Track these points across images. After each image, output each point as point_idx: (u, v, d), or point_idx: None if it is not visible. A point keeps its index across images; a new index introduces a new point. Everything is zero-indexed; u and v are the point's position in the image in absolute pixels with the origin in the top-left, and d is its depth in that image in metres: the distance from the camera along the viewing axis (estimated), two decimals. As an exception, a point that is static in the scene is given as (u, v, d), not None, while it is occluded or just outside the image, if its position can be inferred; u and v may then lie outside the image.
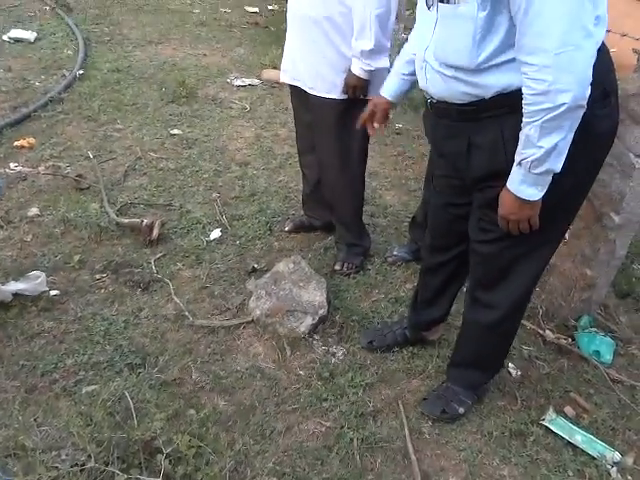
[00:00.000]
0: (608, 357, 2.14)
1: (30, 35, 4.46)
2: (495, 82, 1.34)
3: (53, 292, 2.13)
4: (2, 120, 3.24)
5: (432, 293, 1.97)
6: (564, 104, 1.21)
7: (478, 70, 1.33)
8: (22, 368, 1.83)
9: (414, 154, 3.50)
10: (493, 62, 1.31)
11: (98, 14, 5.26)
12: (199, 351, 1.98)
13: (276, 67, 4.53)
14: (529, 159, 1.30)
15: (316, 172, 2.43)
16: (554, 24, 1.16)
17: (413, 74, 1.66)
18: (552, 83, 1.20)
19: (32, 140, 3.12)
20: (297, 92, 2.28)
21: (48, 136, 3.19)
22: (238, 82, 4.27)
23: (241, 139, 3.47)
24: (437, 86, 1.45)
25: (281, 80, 2.35)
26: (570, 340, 2.19)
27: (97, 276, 2.26)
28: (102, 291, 2.19)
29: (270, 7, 6.40)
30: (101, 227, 2.49)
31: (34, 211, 2.57)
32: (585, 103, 1.23)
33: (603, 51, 1.35)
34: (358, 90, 2.07)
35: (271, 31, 5.62)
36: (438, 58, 1.40)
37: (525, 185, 1.35)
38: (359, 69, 2.03)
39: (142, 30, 5.05)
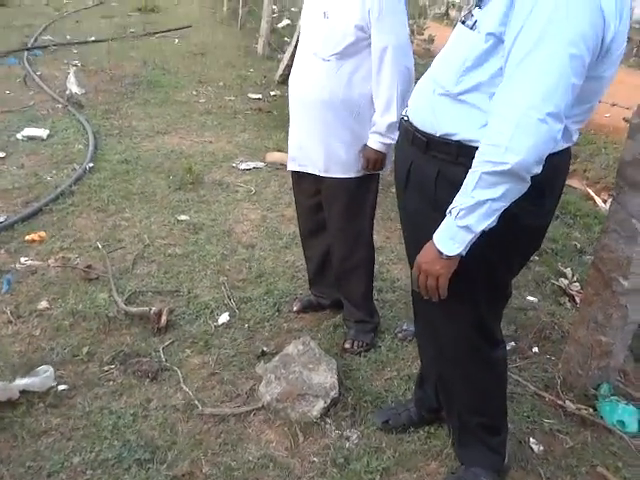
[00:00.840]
0: (633, 427, 2.06)
1: (43, 132, 4.65)
2: (455, 118, 1.37)
3: (61, 387, 2.11)
4: (14, 215, 3.32)
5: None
6: (507, 163, 1.20)
7: (453, 95, 1.36)
8: (28, 470, 1.78)
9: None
10: (467, 97, 1.34)
11: (108, 109, 5.49)
12: (209, 442, 1.93)
13: (280, 150, 4.67)
14: (458, 206, 1.28)
15: (321, 254, 2.45)
16: (537, 86, 1.17)
17: None
18: (508, 139, 1.19)
19: (43, 234, 3.18)
20: (301, 178, 2.31)
21: (58, 229, 3.26)
22: (243, 166, 4.39)
23: (247, 221, 3.53)
24: (413, 104, 1.53)
25: (289, 168, 2.34)
26: (592, 410, 2.12)
27: (105, 368, 2.24)
28: (110, 383, 2.17)
29: (272, 93, 6.67)
30: (109, 317, 2.49)
31: (43, 304, 2.59)
32: (529, 178, 1.23)
33: (564, 155, 1.38)
34: (378, 164, 2.11)
35: (274, 115, 5.83)
36: (432, 74, 1.47)
37: (446, 235, 1.33)
38: (380, 144, 2.06)
39: (150, 122, 5.26)
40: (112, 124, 5.11)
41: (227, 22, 11.21)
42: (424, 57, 6.99)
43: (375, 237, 2.46)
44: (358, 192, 2.18)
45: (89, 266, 2.88)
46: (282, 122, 5.54)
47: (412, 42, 6.95)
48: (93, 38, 8.59)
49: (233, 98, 6.33)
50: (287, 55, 6.88)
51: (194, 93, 6.37)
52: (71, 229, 3.27)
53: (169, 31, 9.60)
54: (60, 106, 5.44)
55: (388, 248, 3.32)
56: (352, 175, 2.15)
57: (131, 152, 4.46)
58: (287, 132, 5.12)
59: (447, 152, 1.39)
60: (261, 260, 3.09)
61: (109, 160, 4.27)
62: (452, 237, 1.31)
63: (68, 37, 8.63)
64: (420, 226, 1.49)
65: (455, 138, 1.37)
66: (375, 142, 2.07)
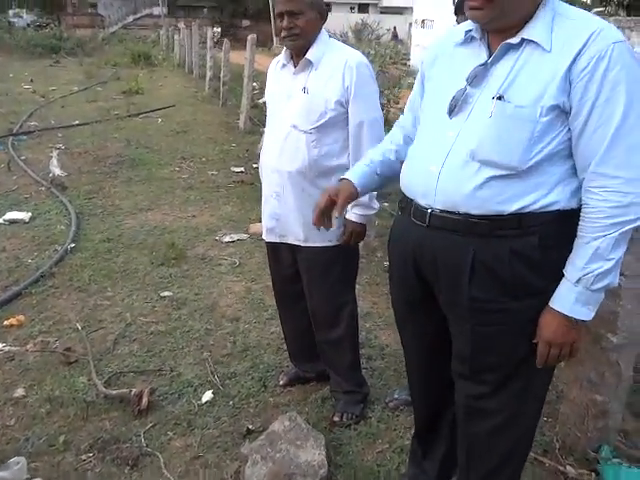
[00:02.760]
0: (639, 491, 1.96)
1: (25, 215, 4.65)
2: (528, 191, 1.34)
3: (35, 480, 1.99)
4: (-8, 301, 3.26)
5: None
6: None
7: (525, 172, 1.33)
8: None
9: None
10: (538, 169, 1.33)
11: (91, 189, 5.53)
12: (193, 533, 1.81)
13: (263, 220, 4.70)
14: (594, 273, 1.29)
15: (300, 326, 2.40)
16: None
17: (384, 175, 1.66)
18: (637, 196, 1.26)
19: (22, 317, 3.11)
20: (277, 248, 2.30)
21: (38, 312, 3.19)
22: (227, 238, 4.39)
23: (231, 294, 3.48)
24: (455, 192, 1.39)
25: (267, 239, 2.32)
26: (594, 475, 2.03)
27: (83, 457, 2.12)
28: (88, 473, 2.05)
29: (255, 165, 6.76)
30: (88, 402, 2.40)
31: (19, 392, 2.49)
32: None
33: None
34: (361, 236, 2.12)
35: (257, 187, 5.86)
36: (478, 157, 1.36)
37: (580, 304, 1.31)
38: (362, 216, 2.09)
39: (133, 199, 5.29)
40: (95, 204, 5.13)
41: (209, 100, 11.55)
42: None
43: (361, 303, 2.43)
44: (338, 260, 2.17)
45: (68, 349, 2.80)
46: (265, 194, 5.61)
47: (389, 111, 7.16)
48: (77, 122, 8.78)
49: (216, 172, 6.41)
50: (268, 129, 7.05)
51: (177, 169, 6.46)
52: (51, 311, 3.21)
53: (153, 111, 9.85)
54: (43, 189, 5.48)
55: (375, 314, 3.27)
56: (332, 243, 2.14)
57: (114, 230, 4.46)
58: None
59: (517, 226, 1.36)
60: (246, 333, 3.03)
61: (91, 239, 4.25)
62: (587, 303, 1.32)
63: (53, 122, 8.82)
64: (489, 314, 1.43)
65: (530, 209, 1.34)
66: (357, 215, 2.09)
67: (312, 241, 2.15)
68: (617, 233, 1.26)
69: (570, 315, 1.32)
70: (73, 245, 4.08)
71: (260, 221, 4.70)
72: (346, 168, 2.03)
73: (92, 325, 3.07)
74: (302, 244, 2.17)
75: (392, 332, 3.06)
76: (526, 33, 1.32)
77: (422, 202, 1.48)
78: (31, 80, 13.80)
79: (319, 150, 2.05)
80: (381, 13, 36.90)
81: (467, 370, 1.55)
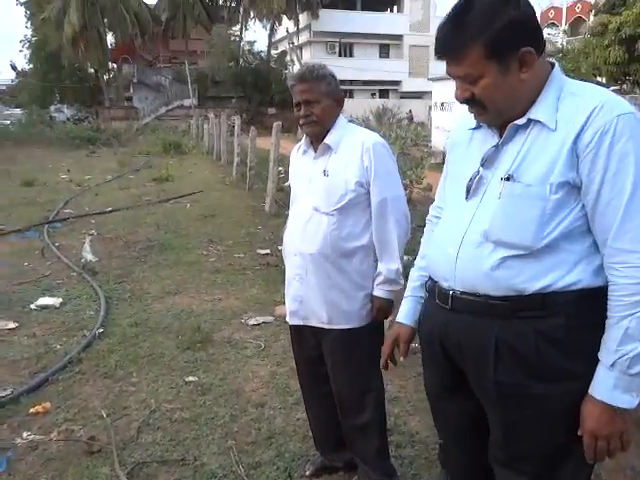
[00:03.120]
0: None
1: (55, 301, 4.75)
2: (547, 269, 1.33)
3: None
4: (20, 387, 3.27)
5: None
6: None
7: (541, 251, 1.32)
8: None
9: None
10: (554, 247, 1.32)
11: (120, 274, 5.65)
12: None
13: (288, 302, 4.70)
14: (628, 355, 1.24)
15: (325, 411, 2.34)
16: None
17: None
18: None
19: (47, 405, 3.11)
20: (301, 331, 2.30)
21: (64, 399, 3.19)
22: (252, 321, 4.39)
23: (257, 378, 3.44)
24: (472, 273, 1.40)
25: (291, 322, 2.33)
26: None
27: None
28: None
29: (280, 247, 6.85)
30: (110, 494, 2.34)
31: (41, 484, 2.45)
32: None
33: None
34: (389, 312, 2.14)
35: (282, 269, 5.89)
36: (491, 237, 1.37)
37: (619, 390, 1.26)
38: (388, 292, 2.11)
39: (161, 283, 5.37)
40: (124, 288, 5.22)
41: (236, 185, 11.92)
42: (424, 204, 7.27)
43: (389, 387, 2.38)
44: (363, 341, 2.15)
45: (92, 437, 2.77)
46: (291, 275, 5.65)
47: (412, 191, 7.30)
48: (110, 208, 9.11)
49: (242, 255, 6.51)
50: (293, 211, 7.20)
51: (204, 253, 6.58)
52: (76, 398, 3.20)
53: (182, 197, 10.18)
54: (75, 274, 5.61)
55: (404, 398, 3.18)
56: (356, 325, 2.13)
57: (141, 315, 4.50)
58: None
59: (540, 307, 1.34)
60: (271, 419, 2.96)
61: (119, 324, 4.29)
62: (627, 389, 1.27)
63: (87, 209, 9.16)
64: (517, 399, 1.39)
65: (552, 289, 1.33)
66: (384, 291, 2.11)
67: (336, 323, 2.15)
68: None
69: (610, 403, 1.27)
70: (101, 330, 4.12)
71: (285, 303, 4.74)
72: (367, 249, 2.10)
73: (117, 412, 3.04)
74: (326, 326, 2.17)
75: (422, 417, 2.96)
76: (532, 113, 1.36)
77: (444, 284, 1.49)
78: (68, 170, 14.50)
79: (340, 232, 2.09)
80: (401, 98, 38.31)
81: (502, 456, 1.48)
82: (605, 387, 1.27)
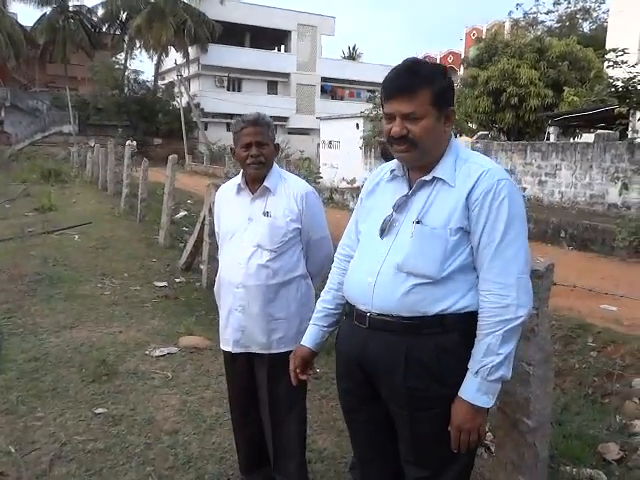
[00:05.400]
0: None
1: (-61, 338, 4.46)
2: (445, 295, 1.65)
3: None
4: None
5: None
6: (522, 317, 1.59)
7: (442, 280, 1.65)
8: None
9: (336, 395, 3.63)
10: (452, 277, 1.65)
11: (9, 308, 5.38)
12: None
13: (191, 333, 4.78)
14: (488, 366, 1.58)
15: (255, 432, 2.53)
16: (517, 256, 1.62)
17: (331, 326, 1.95)
18: (514, 298, 1.59)
19: (-55, 444, 2.97)
20: (236, 359, 2.47)
21: (-37, 437, 3.06)
22: (157, 352, 4.41)
23: (168, 407, 3.50)
24: (388, 298, 1.69)
25: (232, 351, 2.46)
26: None
27: None
28: None
29: (177, 280, 6.88)
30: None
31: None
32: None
33: None
34: None
35: (181, 301, 5.98)
36: (404, 269, 1.67)
37: (480, 393, 1.59)
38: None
39: (55, 317, 5.20)
40: (15, 323, 5.00)
41: (126, 217, 11.65)
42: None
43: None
44: None
45: (1, 473, 2.70)
46: (190, 307, 5.71)
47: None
48: (-12, 240, 8.57)
49: (139, 288, 6.44)
50: (190, 244, 7.26)
51: (99, 285, 6.43)
52: (-23, 442, 3.08)
53: (68, 228, 9.79)
54: (-44, 309, 5.28)
55: (310, 419, 3.34)
56: (291, 348, 2.34)
57: (38, 349, 4.36)
58: (196, 316, 5.25)
59: (439, 325, 1.66)
60: (186, 445, 3.05)
61: (14, 360, 4.13)
62: (486, 392, 1.60)
63: (-39, 240, 8.54)
64: (424, 400, 1.69)
65: (449, 311, 1.66)
66: None
67: (274, 348, 2.38)
68: (502, 331, 1.60)
69: (472, 402, 1.62)
70: (-4, 367, 3.96)
71: (188, 334, 4.81)
72: (302, 277, 2.40)
73: (24, 447, 2.98)
74: (265, 352, 2.38)
75: (327, 435, 3.21)
76: (437, 172, 1.73)
77: (362, 308, 1.78)
78: None
79: (281, 265, 2.33)
80: (289, 133, 39.31)
81: (411, 456, 1.77)
82: (469, 390, 1.63)
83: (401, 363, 1.69)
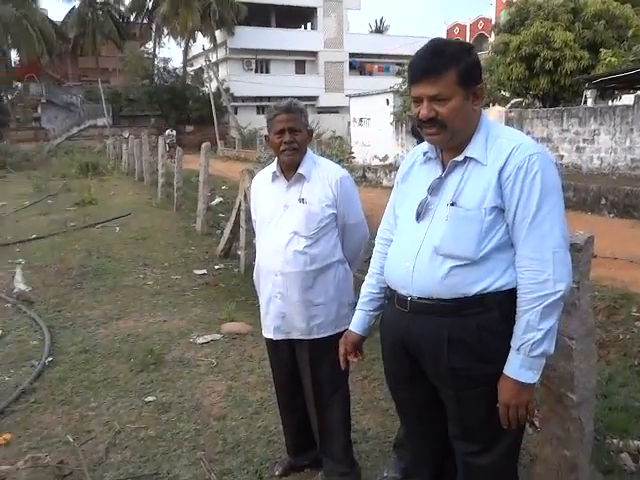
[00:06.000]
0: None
1: (-5, 333, 4.67)
2: (484, 275, 1.65)
3: None
4: (-25, 421, 3.26)
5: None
6: (560, 291, 1.58)
7: (479, 260, 1.65)
8: None
9: (378, 375, 3.71)
10: (489, 257, 1.65)
11: (58, 302, 5.59)
12: None
13: (233, 320, 4.88)
14: (529, 342, 1.58)
15: (301, 415, 2.59)
16: (553, 230, 1.60)
17: (377, 310, 1.98)
18: (551, 274, 1.58)
19: (8, 435, 3.13)
20: (279, 346, 2.51)
21: (24, 428, 3.22)
22: (201, 340, 4.53)
23: (214, 393, 3.60)
24: (427, 282, 1.71)
25: (274, 338, 2.50)
26: (574, 528, 2.22)
27: None
28: None
29: (216, 267, 7.00)
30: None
31: (18, 510, 2.51)
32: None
33: None
34: None
35: (221, 288, 6.10)
36: (441, 252, 1.69)
37: (524, 369, 1.60)
38: None
39: (102, 309, 5.38)
40: (64, 316, 5.19)
41: (163, 206, 11.87)
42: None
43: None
44: (335, 347, 2.38)
45: (61, 462, 2.84)
46: (230, 293, 5.82)
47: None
48: (34, 235, 8.86)
49: (179, 276, 6.58)
50: (227, 230, 7.37)
51: (141, 276, 6.60)
52: (37, 427, 3.24)
53: (109, 221, 10.04)
54: (9, 305, 5.50)
55: (353, 400, 3.38)
56: (331, 333, 2.41)
57: (88, 341, 4.53)
58: (236, 302, 5.33)
59: (479, 305, 1.67)
60: (234, 430, 3.14)
61: (67, 352, 4.31)
62: (530, 368, 1.61)
63: (9, 237, 8.86)
64: (469, 380, 1.71)
65: (488, 290, 1.66)
66: None
67: (315, 333, 2.41)
68: (541, 307, 1.59)
69: (516, 379, 1.62)
70: (50, 359, 4.13)
71: (230, 320, 4.90)
72: (339, 262, 2.43)
73: (82, 436, 3.12)
74: (305, 337, 2.42)
75: (371, 415, 3.25)
76: (468, 152, 1.71)
77: (403, 292, 1.80)
78: (-21, 197, 13.83)
79: (318, 251, 2.36)
80: (318, 113, 39.09)
81: (459, 432, 1.79)
82: (513, 366, 1.63)
83: (444, 344, 1.71)
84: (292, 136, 2.33)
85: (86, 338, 4.60)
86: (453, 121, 1.66)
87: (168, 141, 23.86)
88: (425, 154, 1.84)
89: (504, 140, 1.69)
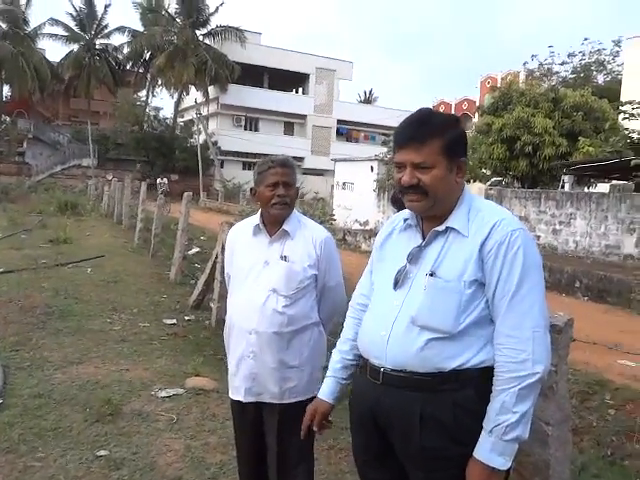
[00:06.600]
0: None
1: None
2: (461, 351, 1.59)
3: None
4: None
5: None
6: (538, 373, 1.51)
7: (458, 335, 1.59)
8: None
9: (345, 445, 3.56)
10: (468, 332, 1.59)
11: (18, 340, 5.35)
12: None
13: (199, 374, 4.69)
14: (503, 424, 1.49)
15: None
16: (532, 309, 1.55)
17: (349, 377, 1.89)
18: (530, 353, 1.51)
19: (-58, 483, 2.90)
20: (245, 408, 2.38)
21: (-40, 477, 2.99)
22: (163, 393, 4.33)
23: (171, 452, 3.41)
24: (402, 353, 1.63)
25: (243, 400, 2.37)
26: None
27: None
28: None
29: (187, 317, 6.83)
30: None
31: None
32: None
33: None
34: None
35: (190, 340, 5.92)
36: (418, 322, 1.62)
37: (495, 453, 1.50)
38: None
39: (63, 352, 5.15)
40: (22, 356, 4.95)
41: (139, 251, 11.72)
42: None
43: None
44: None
45: (-3, 517, 2.62)
46: (198, 346, 5.64)
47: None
48: (2, 269, 8.61)
49: (148, 324, 6.39)
50: (201, 281, 7.24)
51: (108, 320, 6.39)
52: (-25, 477, 3.01)
53: (81, 261, 9.82)
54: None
55: (318, 470, 3.23)
56: (302, 398, 2.29)
57: (44, 385, 4.30)
58: (204, 356, 5.17)
59: (455, 381, 1.60)
60: (188, 494, 2.95)
61: (20, 395, 4.08)
62: (502, 453, 1.51)
63: (-25, 269, 8.59)
64: (440, 461, 1.61)
65: (465, 366, 1.59)
66: None
67: (287, 397, 2.30)
68: (517, 388, 1.52)
69: (487, 463, 1.52)
70: (0, 401, 3.90)
71: (195, 375, 4.73)
72: (315, 324, 2.35)
73: (22, 491, 2.90)
74: (277, 401, 2.30)
75: (335, 489, 3.09)
76: (450, 222, 1.69)
77: (375, 362, 1.72)
78: (-49, 226, 13.53)
79: (296, 311, 2.29)
80: (303, 174, 39.67)
81: None
82: (484, 450, 1.54)
83: (416, 421, 1.62)
84: (286, 190, 2.31)
85: (42, 381, 4.37)
86: (435, 190, 1.65)
87: (160, 190, 23.88)
88: (405, 221, 1.82)
89: (486, 214, 1.68)
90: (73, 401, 4.05)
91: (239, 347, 2.38)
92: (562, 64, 29.11)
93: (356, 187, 23.00)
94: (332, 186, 26.58)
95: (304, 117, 45.13)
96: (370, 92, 62.21)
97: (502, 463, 1.52)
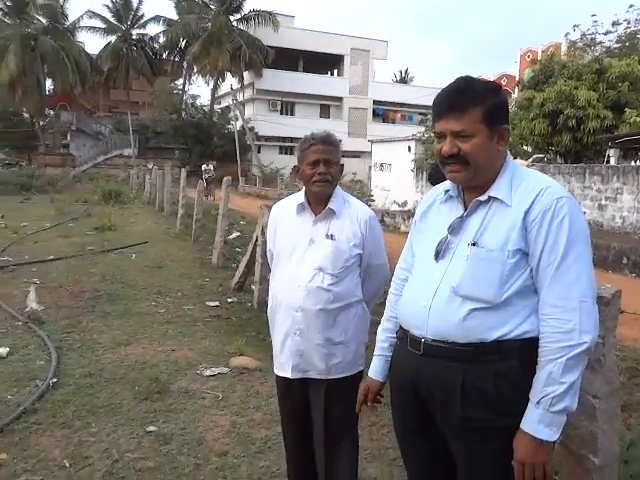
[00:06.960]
0: None
1: (2, 351, 4.62)
2: (503, 321, 1.57)
3: None
4: (-27, 439, 3.19)
5: None
6: (586, 343, 1.48)
7: (500, 305, 1.57)
8: None
9: (387, 422, 3.58)
10: (510, 302, 1.57)
11: (69, 323, 5.56)
12: None
13: (242, 354, 4.79)
14: (550, 396, 1.48)
15: (308, 462, 2.45)
16: (580, 279, 1.52)
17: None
18: (577, 323, 1.49)
19: (4, 456, 3.05)
20: (290, 384, 2.39)
21: (21, 449, 3.14)
22: (208, 372, 4.44)
23: (217, 428, 3.50)
24: (443, 324, 1.63)
25: (290, 377, 2.38)
26: None
27: None
28: None
29: (229, 300, 6.94)
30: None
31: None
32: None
33: None
34: None
35: (232, 321, 6.02)
36: (460, 292, 1.61)
37: (542, 425, 1.49)
38: None
39: (111, 334, 5.33)
40: (74, 338, 5.14)
41: (181, 237, 11.92)
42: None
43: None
44: (352, 389, 2.24)
45: (56, 488, 2.75)
46: (241, 327, 5.74)
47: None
48: (52, 256, 8.91)
49: (192, 307, 6.53)
50: (243, 264, 7.34)
51: (153, 304, 6.55)
52: (34, 449, 3.15)
53: (126, 247, 10.08)
54: (20, 323, 5.48)
55: (361, 447, 3.28)
56: (348, 373, 2.32)
57: (94, 365, 4.46)
58: (247, 337, 5.25)
59: (497, 352, 1.58)
60: (235, 468, 3.03)
61: (72, 374, 4.24)
62: (549, 424, 1.49)
63: (27, 257, 8.92)
64: (482, 432, 1.60)
65: (508, 337, 1.58)
66: None
67: (333, 373, 2.32)
68: (564, 358, 1.49)
69: (534, 435, 1.50)
70: (55, 380, 4.06)
71: (239, 354, 4.81)
72: (359, 302, 2.36)
73: (78, 462, 3.03)
74: (324, 377, 2.32)
75: (378, 464, 3.12)
76: (492, 192, 1.66)
77: (416, 333, 1.72)
78: (2, 216, 14.03)
79: (341, 289, 2.29)
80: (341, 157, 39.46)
81: None
82: (531, 421, 1.52)
83: (458, 391, 1.61)
84: (327, 168, 2.28)
85: (93, 362, 4.54)
86: (476, 158, 1.63)
87: (207, 176, 23.87)
88: (447, 192, 1.80)
89: (530, 182, 1.64)
90: (123, 380, 4.19)
91: (285, 324, 2.37)
92: (606, 34, 27.89)
93: (394, 168, 22.79)
94: (370, 167, 26.39)
95: (340, 99, 44.81)
96: (406, 71, 61.18)
97: (550, 435, 1.50)
